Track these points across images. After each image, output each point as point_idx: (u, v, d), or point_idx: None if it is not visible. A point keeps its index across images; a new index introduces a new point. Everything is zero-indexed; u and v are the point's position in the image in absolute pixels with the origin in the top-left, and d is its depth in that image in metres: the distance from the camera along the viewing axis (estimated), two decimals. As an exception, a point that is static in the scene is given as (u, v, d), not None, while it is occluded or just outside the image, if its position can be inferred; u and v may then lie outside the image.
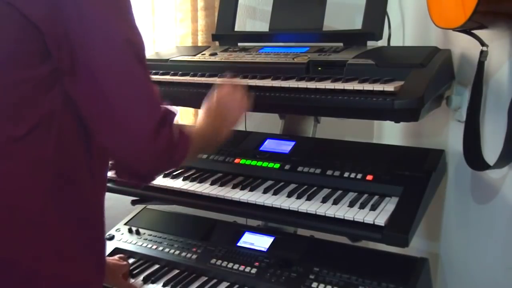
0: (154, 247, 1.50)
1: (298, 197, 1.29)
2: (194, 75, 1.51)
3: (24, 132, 0.88)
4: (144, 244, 1.52)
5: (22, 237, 0.90)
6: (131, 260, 1.48)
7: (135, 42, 0.93)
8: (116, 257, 1.46)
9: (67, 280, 0.95)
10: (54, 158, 0.91)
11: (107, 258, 1.42)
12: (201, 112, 1.22)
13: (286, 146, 1.51)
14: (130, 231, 1.60)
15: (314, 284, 1.25)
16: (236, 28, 1.77)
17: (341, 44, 1.53)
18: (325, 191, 1.32)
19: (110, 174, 1.05)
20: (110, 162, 1.05)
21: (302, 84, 1.31)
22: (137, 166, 0.99)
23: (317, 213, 1.22)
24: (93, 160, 0.99)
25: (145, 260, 1.48)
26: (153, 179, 1.07)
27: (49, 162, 0.91)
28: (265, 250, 1.41)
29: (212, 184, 1.41)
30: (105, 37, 0.89)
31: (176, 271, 1.42)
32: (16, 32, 0.86)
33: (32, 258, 0.90)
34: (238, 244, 1.45)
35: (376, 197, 1.27)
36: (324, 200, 1.26)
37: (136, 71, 0.92)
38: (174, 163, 1.04)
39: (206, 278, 1.37)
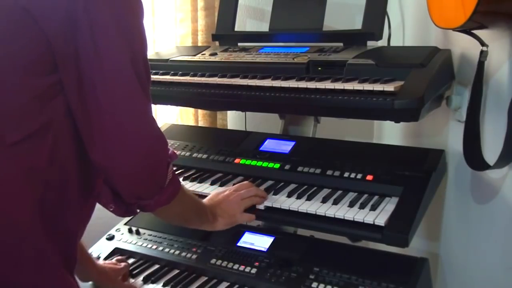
0: (154, 247, 1.50)
1: (298, 197, 1.29)
2: (194, 75, 1.51)
3: (19, 139, 0.87)
4: (144, 244, 1.52)
5: (3, 244, 0.88)
6: (130, 260, 1.47)
7: (143, 77, 0.94)
8: (114, 260, 1.45)
9: None
10: (47, 168, 0.90)
11: (104, 262, 1.41)
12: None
13: (286, 146, 1.51)
14: (130, 231, 1.59)
15: (314, 284, 1.25)
16: (236, 28, 1.77)
17: (341, 44, 1.53)
18: (325, 191, 1.32)
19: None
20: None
21: (302, 84, 1.31)
22: (121, 186, 0.99)
23: (317, 213, 1.22)
24: (85, 174, 0.98)
25: (145, 260, 1.48)
26: (134, 210, 1.07)
27: (41, 171, 0.89)
28: (265, 250, 1.41)
29: (212, 184, 1.41)
30: (114, 68, 0.89)
31: (176, 271, 1.41)
32: (28, 39, 0.85)
33: (9, 266, 0.89)
34: (238, 244, 1.45)
35: (376, 197, 1.27)
36: (324, 200, 1.26)
37: (139, 105, 0.94)
38: (160, 194, 1.04)
39: (206, 278, 1.37)
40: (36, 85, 0.87)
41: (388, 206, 1.22)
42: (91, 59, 0.87)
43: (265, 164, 1.46)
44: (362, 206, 1.22)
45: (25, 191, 0.89)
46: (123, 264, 1.42)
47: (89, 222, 1.06)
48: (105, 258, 1.46)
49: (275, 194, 1.32)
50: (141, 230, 1.59)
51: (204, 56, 1.60)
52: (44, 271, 0.93)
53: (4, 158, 0.87)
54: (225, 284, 1.34)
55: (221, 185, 1.39)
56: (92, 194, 1.03)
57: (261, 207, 1.30)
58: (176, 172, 1.48)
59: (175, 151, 1.08)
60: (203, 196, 1.36)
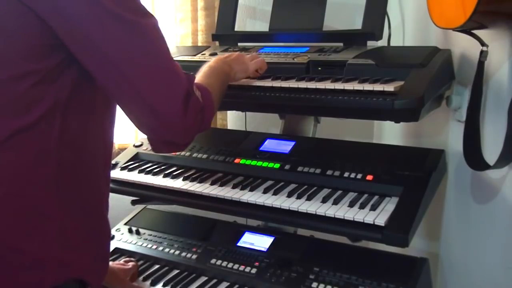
0: (154, 247, 1.50)
1: (298, 197, 1.29)
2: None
3: (29, 123, 0.89)
4: (144, 244, 1.52)
5: (27, 225, 0.91)
6: (131, 260, 1.48)
7: (154, 23, 0.99)
8: (122, 260, 1.45)
9: (70, 268, 0.96)
10: (58, 148, 0.92)
11: (113, 263, 1.42)
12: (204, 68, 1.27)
13: (286, 146, 1.51)
14: (130, 231, 1.60)
15: (314, 284, 1.26)
16: (236, 28, 1.77)
17: (341, 44, 1.53)
18: (325, 191, 1.32)
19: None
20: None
21: (302, 84, 1.31)
22: (173, 139, 1.02)
23: (317, 213, 1.22)
24: (97, 152, 1.01)
25: (145, 260, 1.48)
26: (189, 143, 1.08)
27: (52, 152, 0.92)
28: (265, 250, 1.41)
29: (212, 184, 1.41)
30: (123, 26, 0.91)
31: (176, 271, 1.42)
32: (27, 26, 0.87)
33: (37, 246, 0.92)
34: (238, 244, 1.45)
35: (376, 197, 1.27)
36: (324, 200, 1.26)
37: (158, 51, 0.99)
38: (206, 126, 1.08)
39: (206, 278, 1.37)
40: (41, 68, 0.89)
41: (388, 206, 1.22)
42: (94, 25, 0.88)
43: (265, 164, 1.46)
44: (362, 206, 1.21)
45: (39, 173, 0.92)
46: (131, 264, 1.42)
47: (109, 195, 1.09)
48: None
49: (275, 194, 1.32)
50: (141, 230, 1.59)
51: (204, 56, 1.60)
52: (68, 247, 0.96)
53: (17, 143, 0.89)
54: (225, 284, 1.34)
55: (221, 185, 1.39)
56: (105, 168, 1.06)
57: (260, 202, 1.30)
58: (176, 172, 1.49)
59: None
60: (203, 196, 1.37)
